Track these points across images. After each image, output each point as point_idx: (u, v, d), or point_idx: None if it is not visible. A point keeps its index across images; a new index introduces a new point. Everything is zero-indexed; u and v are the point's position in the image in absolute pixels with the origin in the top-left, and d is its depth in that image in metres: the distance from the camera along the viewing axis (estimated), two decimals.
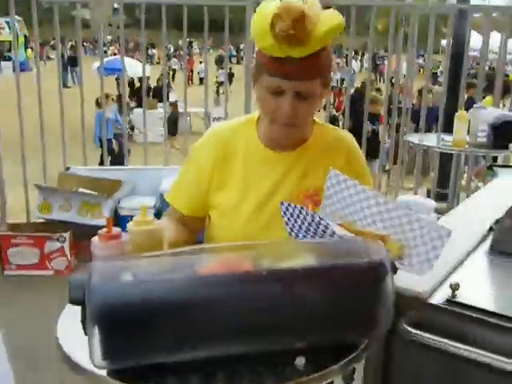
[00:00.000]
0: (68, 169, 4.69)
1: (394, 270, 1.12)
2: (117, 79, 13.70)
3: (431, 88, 8.13)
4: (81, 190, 4.32)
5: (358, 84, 11.95)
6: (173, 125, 9.72)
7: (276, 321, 0.98)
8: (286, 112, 1.39)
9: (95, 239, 1.19)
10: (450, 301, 1.30)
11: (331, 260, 1.07)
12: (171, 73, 21.91)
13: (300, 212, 1.29)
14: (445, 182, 5.58)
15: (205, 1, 4.68)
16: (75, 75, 19.11)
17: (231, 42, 28.17)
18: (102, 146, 5.33)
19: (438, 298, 1.32)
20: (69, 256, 4.35)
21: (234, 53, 28.42)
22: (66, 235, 4.32)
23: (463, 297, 1.30)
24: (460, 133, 3.33)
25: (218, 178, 1.57)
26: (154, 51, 28.52)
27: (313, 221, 1.25)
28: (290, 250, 1.15)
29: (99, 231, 1.19)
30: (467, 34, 4.89)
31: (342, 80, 20.48)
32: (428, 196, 5.50)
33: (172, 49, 27.58)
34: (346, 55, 28.28)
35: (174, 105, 10.89)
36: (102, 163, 5.88)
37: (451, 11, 4.93)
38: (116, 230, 1.19)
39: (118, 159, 7.46)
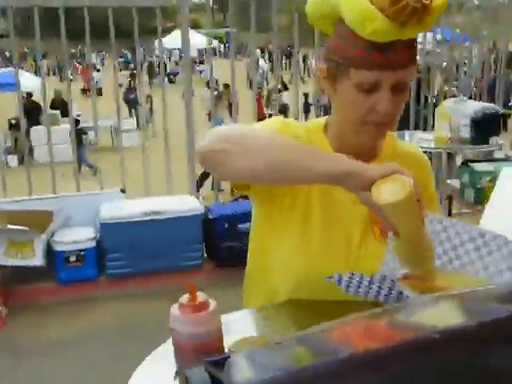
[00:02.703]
0: None
1: None
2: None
3: None
4: (8, 226, 3.90)
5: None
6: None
7: None
8: (386, 108, 1.21)
9: (175, 311, 0.93)
10: None
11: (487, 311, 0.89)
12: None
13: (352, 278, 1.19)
14: None
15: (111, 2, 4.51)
16: None
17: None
18: None
19: None
20: None
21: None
22: None
23: None
24: (441, 129, 3.26)
25: None
26: (44, 61, 27.17)
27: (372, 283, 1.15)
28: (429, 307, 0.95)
29: (180, 299, 0.93)
30: None
31: (250, 82, 20.42)
32: None
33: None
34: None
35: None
36: None
37: None
38: (202, 295, 0.93)
39: None
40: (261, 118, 10.68)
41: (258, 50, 24.79)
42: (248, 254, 1.52)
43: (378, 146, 1.39)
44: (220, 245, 4.52)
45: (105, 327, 3.84)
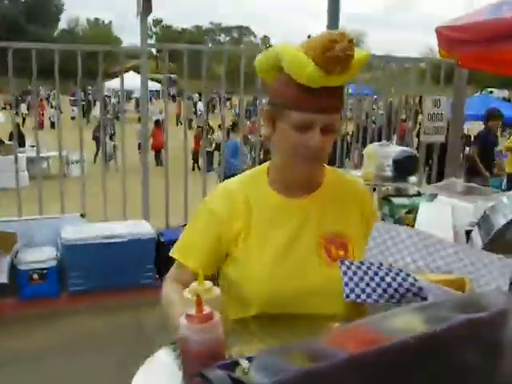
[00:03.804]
0: None
1: None
2: None
3: None
4: None
5: None
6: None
7: None
8: (316, 146, 1.29)
9: (183, 321, 0.94)
10: None
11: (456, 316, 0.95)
12: (21, 118, 20.46)
13: (369, 268, 1.18)
14: None
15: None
16: None
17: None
18: None
19: None
20: None
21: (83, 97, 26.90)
22: None
23: None
24: (369, 168, 3.41)
25: (236, 230, 1.40)
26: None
27: (390, 271, 1.15)
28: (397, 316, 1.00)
29: (187, 311, 0.94)
30: None
31: (189, 121, 20.39)
32: None
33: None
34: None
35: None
36: None
37: None
38: (207, 308, 0.95)
39: None
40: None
41: (197, 94, 24.68)
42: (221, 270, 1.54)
43: (317, 177, 1.46)
44: (170, 266, 4.45)
45: (66, 340, 3.71)
